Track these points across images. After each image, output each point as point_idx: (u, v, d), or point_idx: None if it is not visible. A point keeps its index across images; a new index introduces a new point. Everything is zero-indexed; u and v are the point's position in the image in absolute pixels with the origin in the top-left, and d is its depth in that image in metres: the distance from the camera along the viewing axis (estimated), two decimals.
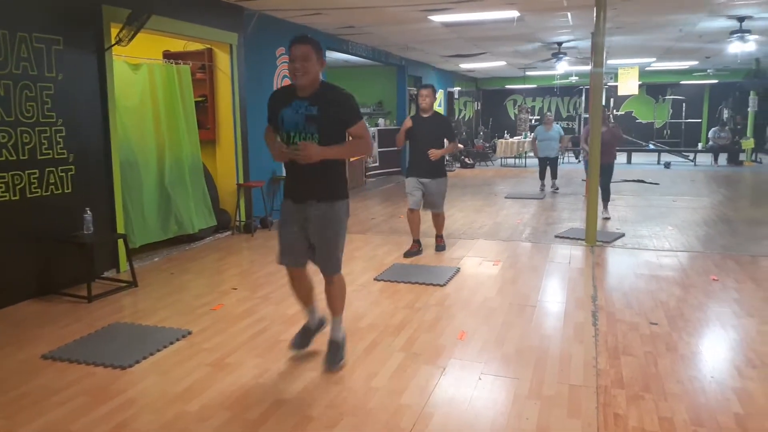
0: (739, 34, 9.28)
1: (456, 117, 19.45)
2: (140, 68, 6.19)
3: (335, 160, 3.29)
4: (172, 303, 4.74)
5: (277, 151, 3.27)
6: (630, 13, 8.78)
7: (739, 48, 9.45)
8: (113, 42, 5.43)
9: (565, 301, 4.69)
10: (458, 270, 5.61)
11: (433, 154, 5.97)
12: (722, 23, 9.48)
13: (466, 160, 16.59)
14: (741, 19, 9.09)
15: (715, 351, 3.74)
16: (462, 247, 6.63)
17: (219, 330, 4.11)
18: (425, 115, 6.14)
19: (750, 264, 5.76)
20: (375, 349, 3.73)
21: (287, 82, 4.09)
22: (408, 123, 6.23)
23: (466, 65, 16.46)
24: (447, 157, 6.75)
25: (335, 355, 3.48)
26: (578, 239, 6.87)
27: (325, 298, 3.55)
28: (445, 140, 6.19)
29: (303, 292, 3.56)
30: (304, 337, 3.58)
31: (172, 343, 3.85)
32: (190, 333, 4.03)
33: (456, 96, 18.67)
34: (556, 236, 7.14)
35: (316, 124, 3.19)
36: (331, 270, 3.44)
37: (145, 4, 5.24)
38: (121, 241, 5.55)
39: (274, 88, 8.32)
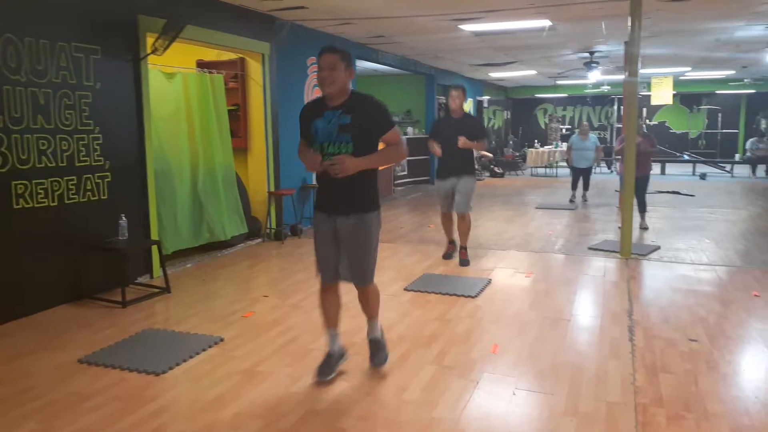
0: None
1: (485, 125, 19.35)
2: (175, 77, 6.28)
3: (368, 170, 3.26)
4: (204, 309, 4.78)
5: (312, 162, 3.24)
6: (665, 21, 8.63)
7: None
8: (149, 51, 5.52)
9: (600, 315, 4.59)
10: (489, 281, 5.54)
11: (462, 141, 5.94)
12: (761, 31, 9.26)
13: (496, 169, 16.46)
14: None
15: (758, 370, 3.61)
16: (493, 257, 6.55)
17: (250, 338, 4.11)
18: (455, 117, 6.16)
19: None
20: (406, 361, 3.69)
21: (318, 91, 4.08)
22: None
23: (495, 74, 16.37)
24: (477, 165, 6.74)
25: (380, 351, 3.56)
26: (612, 251, 6.73)
27: (360, 305, 3.55)
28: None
29: (332, 309, 3.50)
30: (328, 365, 3.45)
31: (204, 350, 3.87)
32: (222, 340, 4.05)
33: (485, 105, 18.57)
34: (590, 248, 7.01)
35: (349, 132, 3.17)
36: (365, 281, 3.41)
37: (180, 14, 5.32)
38: (154, 248, 5.62)
39: (305, 98, 8.38)
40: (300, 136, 3.45)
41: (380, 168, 3.50)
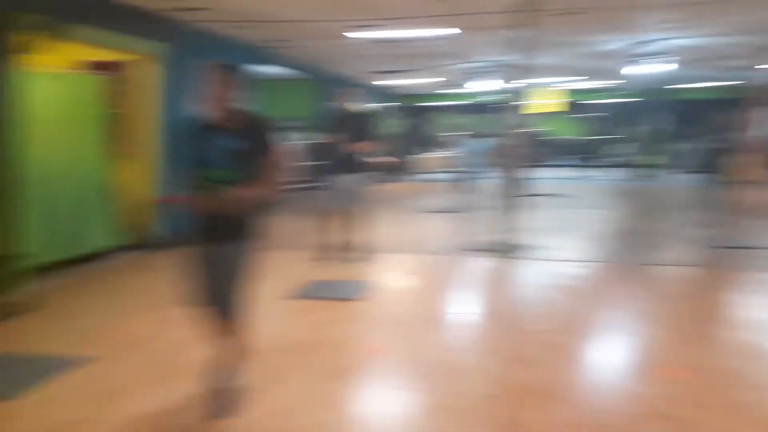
0: (650, 56, 9.85)
1: (381, 132, 19.63)
2: (51, 78, 5.94)
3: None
4: (70, 328, 4.49)
5: (202, 204, 2.97)
6: (558, 34, 9.11)
7: (650, 69, 10.02)
8: (20, 50, 5.15)
9: (478, 312, 4.85)
10: (373, 284, 5.68)
11: (352, 146, 6.05)
12: (637, 45, 10.01)
13: (388, 174, 16.72)
14: (654, 41, 9.65)
15: (604, 354, 3.96)
16: (379, 261, 6.71)
17: (120, 356, 3.93)
18: (344, 117, 6.23)
19: (643, 273, 6.14)
20: (286, 369, 3.72)
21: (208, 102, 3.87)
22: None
23: (392, 81, 16.70)
24: (369, 167, 6.80)
25: (221, 403, 3.17)
26: (493, 251, 7.09)
27: (219, 349, 3.23)
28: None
29: (210, 338, 3.25)
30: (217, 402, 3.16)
31: (63, 371, 3.62)
32: (86, 360, 3.80)
33: (382, 111, 18.89)
34: (472, 249, 7.35)
35: (241, 158, 2.96)
36: (232, 314, 3.14)
37: (60, 10, 4.96)
38: (19, 262, 5.27)
39: (198, 103, 8.13)
40: (179, 162, 3.15)
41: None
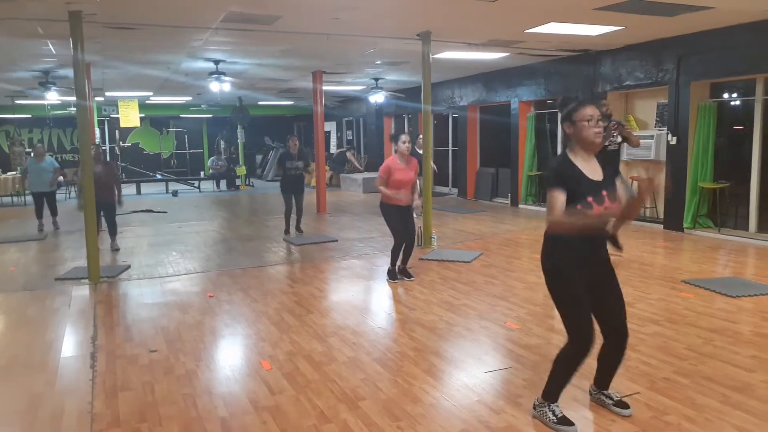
0: (216, 75, 10.43)
1: None
2: None
3: None
4: None
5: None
6: (115, 48, 8.84)
7: (217, 87, 10.62)
8: None
9: (62, 349, 4.36)
10: None
11: None
12: (202, 64, 10.51)
13: None
14: (216, 62, 10.26)
15: (211, 363, 4.08)
16: None
17: None
18: None
19: (241, 276, 6.54)
20: None
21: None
22: None
23: None
24: None
25: None
26: (82, 278, 6.51)
27: None
28: None
29: None
30: None
31: None
32: None
33: None
34: (57, 279, 6.60)
35: None
36: None
37: None
38: None
39: None
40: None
41: None
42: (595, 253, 2.92)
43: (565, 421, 2.98)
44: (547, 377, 3.07)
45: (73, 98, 14.11)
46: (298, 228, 9.45)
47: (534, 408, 3.12)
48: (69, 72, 11.23)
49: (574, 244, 2.82)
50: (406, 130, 16.84)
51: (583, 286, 2.88)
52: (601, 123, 2.82)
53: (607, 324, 3.00)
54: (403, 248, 6.20)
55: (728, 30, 7.80)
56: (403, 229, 6.13)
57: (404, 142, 6.04)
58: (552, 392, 3.04)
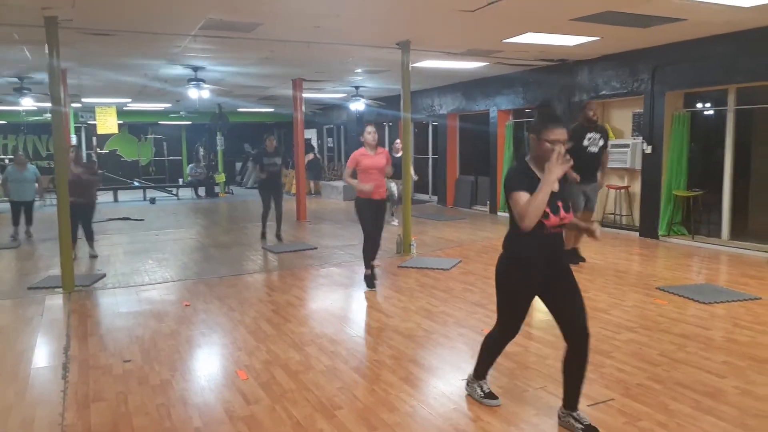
0: (195, 82, 10.37)
1: None
2: None
3: None
4: None
5: None
6: (93, 54, 8.75)
7: (196, 94, 10.56)
8: None
9: (34, 359, 4.28)
10: None
11: None
12: (181, 71, 10.44)
13: None
14: (195, 69, 10.21)
15: (186, 373, 4.03)
16: None
17: None
18: None
19: (217, 285, 6.49)
20: None
21: None
22: None
23: None
24: None
25: None
26: (55, 287, 6.41)
27: None
28: None
29: None
30: None
31: None
32: None
33: None
34: (30, 288, 6.48)
35: None
36: None
37: None
38: None
39: None
40: None
41: None
42: (551, 265, 3.02)
43: (491, 396, 3.41)
44: (476, 358, 3.43)
45: (49, 104, 13.92)
46: (278, 235, 9.41)
47: (467, 384, 3.53)
48: (45, 77, 11.17)
49: (532, 262, 2.98)
50: (386, 136, 16.89)
51: (530, 298, 3.10)
52: (565, 146, 2.85)
53: (569, 327, 3.05)
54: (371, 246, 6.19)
55: (701, 41, 7.97)
56: (373, 227, 6.13)
57: (369, 133, 6.08)
58: (480, 371, 3.43)
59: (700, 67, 8.09)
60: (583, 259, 7.21)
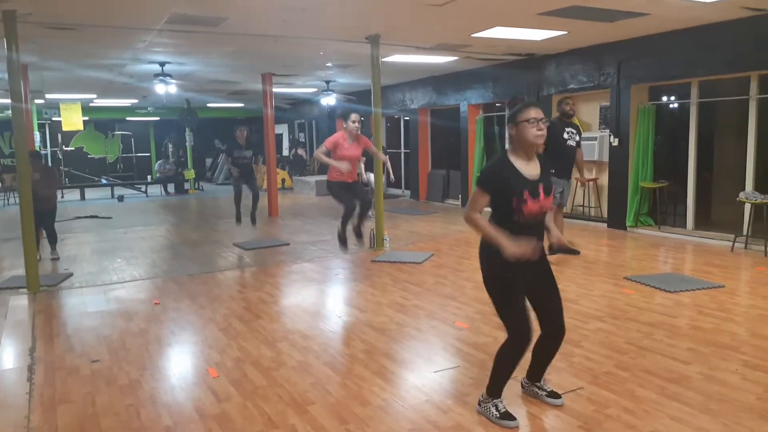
0: (162, 77, 10.20)
1: None
2: None
3: None
4: None
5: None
6: (55, 48, 8.54)
7: (163, 89, 10.38)
8: None
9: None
10: None
11: None
12: (147, 66, 10.25)
13: None
14: (162, 63, 10.03)
15: (155, 372, 3.97)
16: None
17: None
18: None
19: (188, 282, 6.41)
20: None
21: None
22: None
23: None
24: None
25: None
26: (20, 288, 6.26)
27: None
28: None
29: None
30: None
31: None
32: None
33: None
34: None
35: None
36: None
37: None
38: None
39: None
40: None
41: None
42: (531, 261, 2.97)
43: (507, 416, 3.06)
44: (490, 373, 3.13)
45: (9, 101, 13.55)
46: (252, 217, 9.36)
47: (479, 404, 3.19)
48: (4, 73, 10.87)
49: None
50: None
51: (519, 284, 2.96)
52: (543, 123, 2.88)
53: (546, 320, 3.10)
54: (357, 211, 6.25)
55: (665, 36, 8.12)
56: (353, 196, 6.21)
57: (354, 122, 6.10)
58: (495, 388, 3.11)
59: (664, 61, 8.25)
60: (577, 252, 7.27)
